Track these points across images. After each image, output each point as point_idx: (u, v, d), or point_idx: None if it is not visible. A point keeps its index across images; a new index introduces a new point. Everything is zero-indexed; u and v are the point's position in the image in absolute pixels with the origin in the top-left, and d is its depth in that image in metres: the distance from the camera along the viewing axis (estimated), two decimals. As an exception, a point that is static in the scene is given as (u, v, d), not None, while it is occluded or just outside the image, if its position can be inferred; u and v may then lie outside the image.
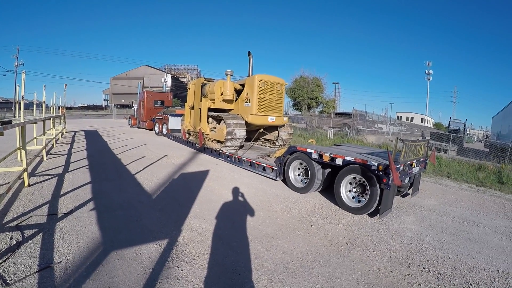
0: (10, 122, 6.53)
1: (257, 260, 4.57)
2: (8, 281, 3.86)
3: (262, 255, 4.72)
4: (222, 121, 12.47)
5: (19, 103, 12.96)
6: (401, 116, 69.42)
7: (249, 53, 14.21)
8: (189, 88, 16.25)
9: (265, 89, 12.22)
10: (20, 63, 50.13)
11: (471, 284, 4.24)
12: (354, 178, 6.88)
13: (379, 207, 6.25)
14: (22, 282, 3.83)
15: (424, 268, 4.57)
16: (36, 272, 4.07)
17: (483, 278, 4.41)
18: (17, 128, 7.39)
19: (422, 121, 68.03)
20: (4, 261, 4.34)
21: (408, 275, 4.37)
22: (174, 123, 20.77)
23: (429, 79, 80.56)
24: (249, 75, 13.62)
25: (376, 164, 6.20)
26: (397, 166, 6.08)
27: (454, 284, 4.21)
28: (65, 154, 13.50)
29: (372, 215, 6.57)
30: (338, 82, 50.36)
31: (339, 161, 7.04)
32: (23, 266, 4.20)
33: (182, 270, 4.25)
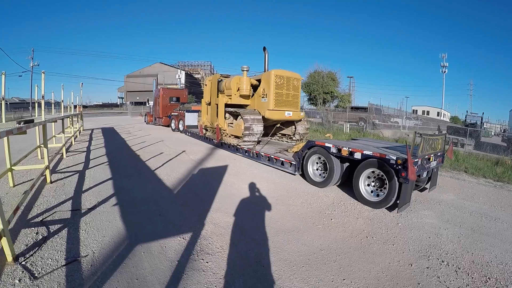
0: (32, 121, 6.73)
1: (280, 253, 4.68)
2: (36, 275, 4.01)
3: (285, 248, 4.84)
4: (240, 117, 12.61)
5: (39, 103, 13.27)
6: (416, 110, 68.71)
7: (264, 49, 14.25)
8: (205, 85, 16.39)
9: (281, 84, 12.30)
10: (36, 63, 50.80)
11: (489, 278, 4.29)
12: (373, 172, 6.94)
13: (398, 201, 6.29)
14: (49, 276, 3.98)
15: (443, 262, 4.63)
16: (64, 265, 4.23)
17: (501, 272, 4.45)
18: (37, 126, 7.58)
19: (438, 115, 67.25)
20: (31, 255, 4.52)
21: (427, 268, 4.44)
22: (190, 119, 20.90)
23: (444, 71, 79.40)
24: (265, 71, 13.66)
25: (394, 158, 6.24)
26: (415, 160, 6.12)
27: (472, 277, 4.26)
28: (84, 152, 13.78)
29: (390, 209, 6.62)
30: (352, 76, 49.93)
31: (357, 155, 7.09)
32: (50, 260, 4.37)
33: (207, 263, 4.38)
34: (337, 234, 5.38)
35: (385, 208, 6.67)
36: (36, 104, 13.71)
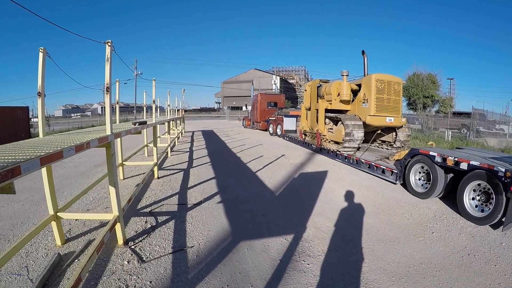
0: (145, 122, 7.37)
1: (379, 262, 4.69)
2: (144, 259, 4.57)
3: (385, 257, 4.83)
4: (340, 122, 12.59)
5: (147, 107, 14.23)
6: (525, 115, 62.65)
7: (363, 52, 14.07)
8: (305, 90, 16.67)
9: (382, 89, 12.03)
10: (139, 72, 55.12)
11: None
12: (479, 185, 6.49)
13: (503, 219, 5.81)
14: (157, 261, 4.51)
15: (547, 288, 4.27)
16: (170, 253, 4.77)
17: None
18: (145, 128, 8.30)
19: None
20: (140, 241, 5.15)
21: (530, 293, 4.12)
22: (288, 124, 21.22)
23: None
24: (364, 75, 13.49)
25: (503, 170, 5.79)
26: None
27: None
28: (187, 152, 14.75)
29: (494, 227, 6.15)
30: (453, 78, 46.48)
31: (463, 166, 6.71)
32: (157, 247, 4.95)
33: (308, 264, 4.56)
34: (438, 249, 5.20)
35: (489, 225, 6.19)
36: (145, 108, 14.84)
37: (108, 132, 4.63)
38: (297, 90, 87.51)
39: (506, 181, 5.71)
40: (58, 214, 4.74)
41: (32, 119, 25.02)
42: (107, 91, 4.50)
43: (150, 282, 3.95)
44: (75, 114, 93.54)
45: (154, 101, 11.04)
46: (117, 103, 9.01)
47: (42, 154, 2.70)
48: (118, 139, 8.52)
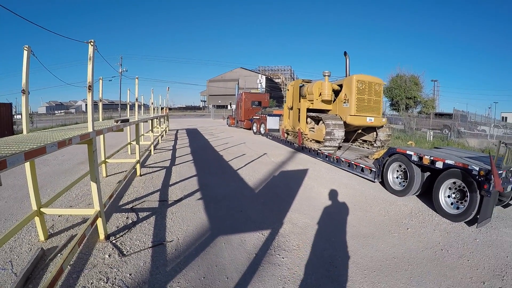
0: (127, 120, 7.50)
1: (353, 256, 4.88)
2: (125, 252, 4.73)
3: (358, 252, 5.01)
4: (321, 122, 12.80)
5: (130, 104, 14.29)
6: (506, 117, 63.45)
7: (345, 53, 14.31)
8: (288, 90, 16.78)
9: (363, 89, 12.27)
10: (124, 69, 54.79)
11: None
12: (454, 183, 6.73)
13: (478, 216, 6.04)
14: (137, 255, 4.67)
15: (518, 284, 4.44)
16: (150, 247, 4.93)
17: None
18: (128, 126, 8.40)
19: (532, 123, 61.94)
20: (121, 236, 5.30)
21: (500, 288, 4.31)
22: (272, 123, 21.39)
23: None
24: (346, 75, 13.74)
25: (477, 168, 6.02)
26: (499, 172, 5.84)
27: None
28: (170, 150, 14.86)
29: (469, 223, 6.37)
30: (437, 80, 47.01)
31: (439, 164, 6.93)
32: (138, 241, 5.11)
33: (283, 258, 4.74)
34: (412, 244, 5.38)
35: (464, 222, 6.40)
36: (128, 106, 14.89)
37: (90, 129, 4.72)
38: (282, 89, 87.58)
39: (480, 179, 5.93)
40: (41, 209, 4.81)
41: (15, 116, 24.79)
42: (89, 89, 4.60)
43: (130, 274, 4.08)
44: (59, 111, 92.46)
45: (136, 99, 11.12)
46: (100, 100, 9.07)
47: (26, 149, 2.82)
48: (101, 137, 8.59)
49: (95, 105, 5.31)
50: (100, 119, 9.72)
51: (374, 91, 12.60)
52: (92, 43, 4.62)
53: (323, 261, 4.65)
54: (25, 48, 4.48)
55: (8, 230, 4.02)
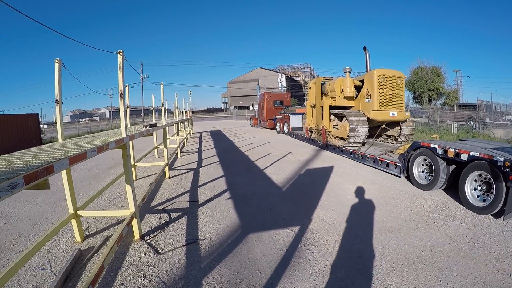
0: (155, 125, 7.71)
1: (381, 250, 4.92)
2: (159, 251, 4.93)
3: (386, 246, 5.05)
4: (344, 118, 12.79)
5: (157, 110, 14.59)
6: (534, 106, 61.74)
7: (364, 48, 14.21)
8: (309, 88, 16.83)
9: (385, 84, 12.21)
10: (146, 75, 55.78)
11: None
12: (480, 175, 6.62)
13: (504, 208, 5.89)
14: (171, 253, 4.87)
15: (545, 275, 4.39)
16: (184, 245, 5.12)
17: None
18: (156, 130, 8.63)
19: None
20: (155, 235, 5.51)
21: (527, 279, 4.26)
22: (295, 121, 21.46)
23: None
24: (367, 71, 13.64)
25: (502, 159, 5.87)
26: None
27: None
28: (196, 152, 15.09)
29: (496, 216, 6.26)
30: (459, 70, 45.99)
31: (464, 157, 6.83)
32: (172, 240, 5.32)
33: (313, 253, 4.85)
34: (439, 238, 5.37)
35: (491, 215, 6.30)
36: (154, 111, 15.19)
37: (124, 135, 4.94)
38: (303, 87, 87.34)
39: (505, 170, 5.79)
40: (77, 212, 5.08)
41: (41, 126, 25.49)
42: (121, 97, 4.81)
43: (166, 271, 4.27)
44: (83, 119, 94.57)
45: (163, 104, 11.39)
46: (128, 107, 9.37)
47: (70, 154, 3.02)
48: (130, 142, 8.87)
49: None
50: (128, 125, 10.01)
51: (396, 85, 12.50)
52: (121, 53, 4.83)
53: (352, 255, 4.72)
54: (56, 61, 4.70)
55: (47, 232, 4.25)
